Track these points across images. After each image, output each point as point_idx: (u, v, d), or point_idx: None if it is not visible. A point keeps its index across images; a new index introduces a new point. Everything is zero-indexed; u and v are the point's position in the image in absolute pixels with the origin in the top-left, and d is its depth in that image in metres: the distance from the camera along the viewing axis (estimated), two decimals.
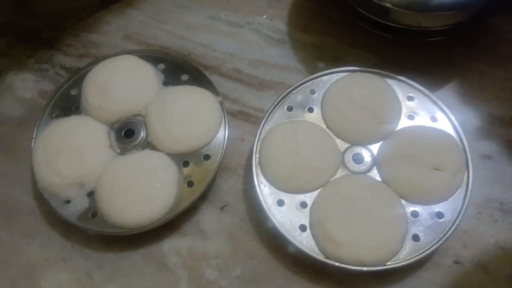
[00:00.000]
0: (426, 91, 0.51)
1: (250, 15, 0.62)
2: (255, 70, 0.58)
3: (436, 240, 0.44)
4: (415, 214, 0.45)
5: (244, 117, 0.55)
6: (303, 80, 0.52)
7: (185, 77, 0.54)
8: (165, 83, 0.53)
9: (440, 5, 0.46)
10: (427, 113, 0.50)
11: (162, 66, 0.55)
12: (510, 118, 0.52)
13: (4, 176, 0.54)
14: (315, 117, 0.50)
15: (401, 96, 0.50)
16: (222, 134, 0.50)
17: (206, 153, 0.50)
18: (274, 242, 0.47)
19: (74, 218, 0.47)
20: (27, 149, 0.54)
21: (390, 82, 0.51)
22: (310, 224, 0.45)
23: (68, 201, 0.48)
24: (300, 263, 0.46)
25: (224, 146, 0.50)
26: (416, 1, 0.47)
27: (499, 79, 0.54)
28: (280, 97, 0.51)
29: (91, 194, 0.48)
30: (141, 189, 0.46)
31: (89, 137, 0.50)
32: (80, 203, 0.47)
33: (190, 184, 0.48)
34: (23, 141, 0.55)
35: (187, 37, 0.61)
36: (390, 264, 0.43)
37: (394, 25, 0.50)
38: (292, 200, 0.46)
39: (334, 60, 0.58)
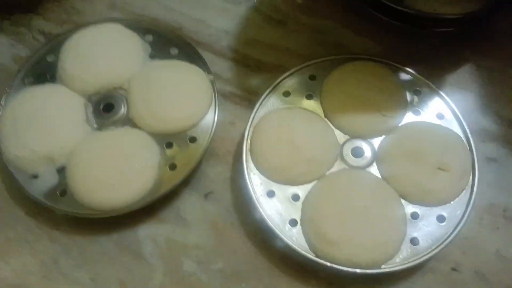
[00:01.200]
0: (434, 86, 0.47)
1: None
2: (252, 50, 0.53)
3: (435, 246, 0.40)
4: (415, 216, 0.42)
5: (236, 100, 0.51)
6: (303, 65, 0.48)
7: (174, 51, 0.49)
8: (152, 56, 0.49)
9: None
10: (434, 109, 0.46)
11: (149, 37, 0.50)
12: None
13: None
14: (314, 105, 0.46)
15: (407, 89, 0.47)
16: (212, 116, 0.46)
17: (193, 135, 0.45)
18: (261, 237, 0.43)
19: (40, 195, 0.42)
20: None
21: (397, 73, 0.48)
22: (301, 219, 0.41)
23: (35, 176, 0.43)
24: (288, 260, 0.42)
25: (213, 129, 0.45)
26: None
27: (509, 78, 0.51)
28: (277, 81, 0.47)
29: (61, 170, 0.43)
30: (118, 169, 0.42)
31: (64, 108, 0.45)
32: (48, 179, 0.43)
33: (172, 167, 0.44)
34: None
35: (179, 10, 0.56)
36: (385, 268, 0.40)
37: (407, 10, 0.46)
38: (283, 191, 0.42)
39: (337, 46, 0.53)
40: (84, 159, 0.42)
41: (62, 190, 0.42)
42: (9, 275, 0.43)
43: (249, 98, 0.51)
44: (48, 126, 0.43)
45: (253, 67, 0.53)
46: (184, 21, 0.55)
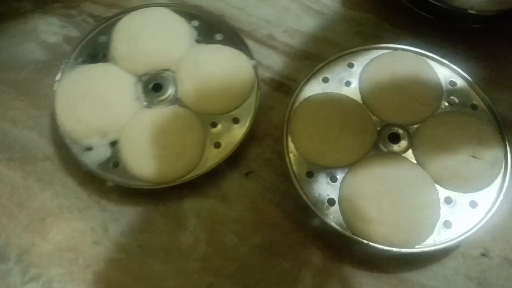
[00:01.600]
0: (469, 78, 0.49)
1: None
2: (291, 39, 0.56)
3: (467, 230, 0.42)
4: (448, 201, 0.44)
5: (275, 86, 0.53)
6: (343, 52, 0.50)
7: (219, 36, 0.52)
8: (198, 41, 0.51)
9: None
10: (468, 100, 0.48)
11: (195, 23, 0.52)
12: None
13: (21, 119, 0.52)
14: (352, 91, 0.48)
15: (443, 80, 0.49)
16: (253, 99, 0.48)
17: (236, 116, 0.48)
18: (298, 215, 0.46)
19: (94, 166, 0.45)
20: (47, 94, 0.52)
21: (433, 64, 0.49)
22: (339, 198, 0.43)
23: (89, 149, 0.46)
24: (323, 238, 0.44)
25: (255, 111, 0.48)
26: None
27: None
28: (318, 67, 0.49)
29: (114, 144, 0.46)
30: (167, 145, 0.44)
31: (116, 86, 0.48)
32: (101, 152, 0.46)
33: (217, 145, 0.46)
34: (44, 87, 0.53)
35: None
36: (419, 248, 0.41)
37: (443, 5, 0.48)
38: (322, 173, 0.45)
39: (373, 37, 0.55)
40: (135, 134, 0.45)
41: (114, 162, 0.45)
42: (61, 240, 0.46)
43: (287, 85, 0.53)
44: (102, 102, 0.46)
45: (292, 55, 0.55)
46: (226, 9, 0.57)
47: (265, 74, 0.53)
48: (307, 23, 0.57)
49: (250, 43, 0.54)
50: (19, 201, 0.48)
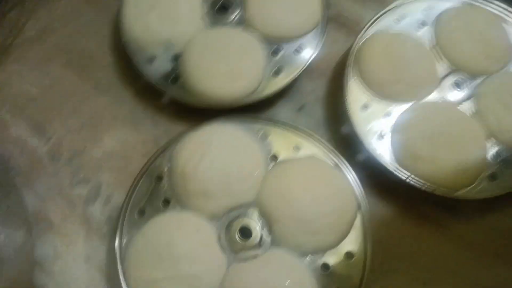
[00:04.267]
0: None
1: None
2: None
3: (509, 187, 0.42)
4: (496, 156, 0.44)
5: (340, 24, 0.52)
6: None
7: None
8: None
9: None
10: None
11: None
12: None
13: (83, 26, 0.52)
14: (426, 33, 0.48)
15: None
16: (319, 32, 0.48)
17: (298, 46, 0.47)
18: (347, 152, 0.45)
19: (154, 79, 0.45)
20: (110, 4, 0.52)
21: (507, 27, 0.49)
22: (392, 130, 0.44)
23: (151, 60, 0.46)
24: (370, 177, 0.44)
25: (319, 44, 0.47)
26: None
27: None
28: (397, 3, 0.49)
29: (176, 58, 0.46)
30: (228, 64, 0.44)
31: (184, 1, 0.47)
32: (163, 65, 0.46)
33: (276, 73, 0.46)
34: None
35: None
36: (460, 195, 0.42)
37: None
38: (378, 106, 0.45)
39: None
40: (198, 49, 0.45)
41: (173, 77, 0.45)
42: (113, 148, 0.47)
43: (352, 23, 0.52)
44: (169, 15, 0.46)
45: None
46: None
47: (331, 11, 0.51)
48: None
49: None
50: (73, 105, 0.49)
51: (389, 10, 0.48)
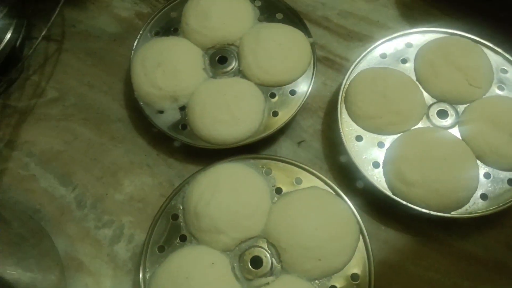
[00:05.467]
0: None
1: None
2: (345, 21, 0.59)
3: (502, 203, 0.45)
4: (487, 176, 0.47)
5: (329, 64, 0.57)
6: (403, 32, 0.54)
7: (279, 16, 0.56)
8: (260, 19, 0.56)
9: None
10: None
11: (258, 3, 0.57)
12: None
13: (97, 85, 0.58)
14: (407, 68, 0.52)
15: (494, 66, 0.51)
16: (310, 74, 0.52)
17: (293, 88, 0.52)
18: (346, 180, 0.49)
19: (165, 128, 0.50)
20: (120, 63, 0.58)
21: (487, 51, 0.52)
22: (384, 161, 0.47)
23: (161, 112, 0.51)
24: (370, 202, 0.48)
25: (311, 85, 0.52)
26: None
27: None
28: (379, 42, 0.53)
29: (182, 108, 0.51)
30: (230, 110, 0.49)
31: (186, 57, 0.53)
32: (171, 115, 0.51)
33: (275, 114, 0.51)
34: (117, 56, 0.59)
35: None
36: (454, 214, 0.45)
37: None
38: (371, 138, 0.49)
39: (424, 22, 0.58)
40: (202, 100, 0.50)
41: (182, 125, 0.50)
42: (132, 191, 0.51)
43: (340, 63, 0.57)
44: (174, 71, 0.51)
45: (345, 35, 0.59)
46: None
47: (319, 53, 0.57)
48: (361, 6, 0.60)
49: (306, 23, 0.58)
50: (94, 156, 0.54)
51: (372, 49, 0.52)
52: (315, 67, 0.53)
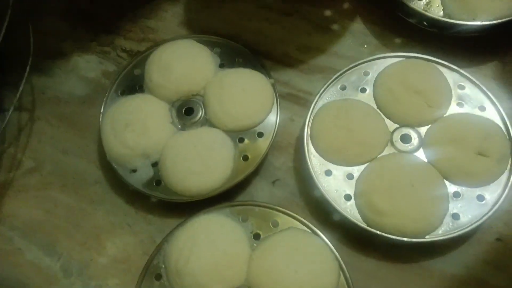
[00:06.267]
0: (477, 82, 0.52)
1: (299, 3, 0.64)
2: (304, 55, 0.61)
3: (475, 221, 0.46)
4: (456, 195, 0.47)
5: (293, 100, 0.58)
6: (360, 61, 0.55)
7: (239, 60, 0.57)
8: (221, 66, 0.57)
9: None
10: (476, 103, 0.51)
11: (217, 50, 0.58)
12: None
13: (71, 149, 0.59)
14: (367, 97, 0.53)
15: (452, 84, 0.52)
16: (274, 114, 0.54)
17: (260, 130, 0.53)
18: (323, 214, 0.50)
19: (140, 186, 0.51)
20: (92, 124, 0.59)
21: (442, 70, 0.53)
22: (355, 194, 0.48)
23: (134, 171, 0.52)
24: (348, 234, 0.49)
25: (277, 124, 0.53)
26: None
27: None
28: (337, 75, 0.54)
29: (155, 164, 0.52)
30: (201, 161, 0.50)
31: (153, 113, 0.54)
32: (145, 172, 0.52)
33: (245, 158, 0.52)
34: (88, 118, 0.60)
35: (239, 24, 0.64)
36: (429, 238, 0.45)
37: (445, 20, 0.54)
38: (339, 171, 0.50)
39: (381, 47, 0.60)
40: (173, 154, 0.51)
41: (156, 180, 0.51)
42: (116, 253, 0.52)
43: (304, 97, 0.58)
44: (142, 128, 0.52)
45: (306, 70, 0.60)
46: (243, 34, 0.62)
47: (283, 89, 0.59)
48: (317, 40, 0.62)
49: (267, 62, 0.59)
50: (75, 222, 0.54)
51: (331, 82, 0.54)
52: (278, 106, 0.54)
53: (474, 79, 0.52)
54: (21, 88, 0.57)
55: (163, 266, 0.46)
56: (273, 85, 0.55)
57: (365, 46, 0.60)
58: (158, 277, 0.46)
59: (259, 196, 0.53)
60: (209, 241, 0.45)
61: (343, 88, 0.54)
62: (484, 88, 0.52)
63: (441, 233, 0.46)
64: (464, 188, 0.48)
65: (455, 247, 0.48)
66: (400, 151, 0.50)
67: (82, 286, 0.51)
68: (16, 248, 0.53)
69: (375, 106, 0.52)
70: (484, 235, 0.48)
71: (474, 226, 0.46)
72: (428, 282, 0.47)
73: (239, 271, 0.45)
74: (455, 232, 0.45)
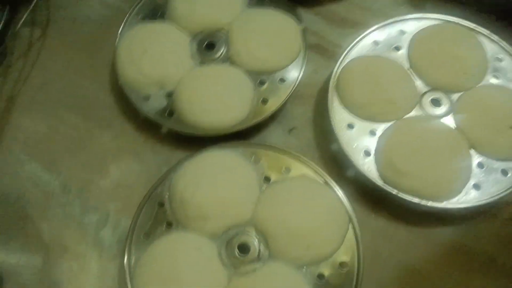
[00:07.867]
0: None
1: None
2: (337, 7, 0.58)
3: (495, 194, 0.44)
4: (480, 165, 0.46)
5: (320, 51, 0.56)
6: (396, 19, 0.53)
7: (269, 1, 0.54)
8: (250, 5, 0.54)
9: None
10: None
11: None
12: None
13: (83, 71, 0.56)
14: (401, 55, 0.51)
15: (490, 55, 0.51)
16: (300, 61, 0.51)
17: (282, 76, 0.51)
18: (337, 168, 0.48)
19: (151, 114, 0.49)
20: (106, 48, 0.56)
21: (482, 40, 0.51)
22: (376, 149, 0.46)
23: (146, 99, 0.50)
24: (361, 191, 0.47)
25: (302, 72, 0.50)
26: None
27: None
28: (371, 29, 0.52)
29: (170, 95, 0.50)
30: (219, 97, 0.48)
31: (173, 43, 0.51)
32: (158, 101, 0.49)
33: (264, 101, 0.49)
34: (104, 41, 0.57)
35: None
36: (445, 204, 0.44)
37: None
38: (362, 126, 0.48)
39: (419, 8, 0.57)
40: (190, 87, 0.49)
41: (169, 111, 0.49)
42: (119, 177, 0.50)
43: (332, 50, 0.56)
44: (160, 57, 0.50)
45: (338, 22, 0.57)
46: None
47: (311, 39, 0.56)
48: None
49: (299, 8, 0.56)
50: (79, 142, 0.52)
51: (365, 35, 0.51)
52: (306, 54, 0.51)
53: None
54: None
55: (168, 195, 0.45)
56: (302, 31, 0.52)
57: (402, 5, 0.58)
58: (161, 204, 0.45)
59: (274, 142, 0.50)
60: (219, 175, 0.44)
61: (376, 43, 0.52)
62: None
63: (458, 202, 0.44)
64: (489, 160, 0.46)
65: (469, 218, 0.46)
66: (428, 114, 0.48)
67: (80, 205, 0.49)
68: (16, 160, 0.51)
69: (407, 66, 0.50)
70: (500, 211, 0.47)
71: (493, 199, 0.44)
72: (435, 249, 0.46)
73: (245, 210, 0.43)
74: (473, 203, 0.44)
